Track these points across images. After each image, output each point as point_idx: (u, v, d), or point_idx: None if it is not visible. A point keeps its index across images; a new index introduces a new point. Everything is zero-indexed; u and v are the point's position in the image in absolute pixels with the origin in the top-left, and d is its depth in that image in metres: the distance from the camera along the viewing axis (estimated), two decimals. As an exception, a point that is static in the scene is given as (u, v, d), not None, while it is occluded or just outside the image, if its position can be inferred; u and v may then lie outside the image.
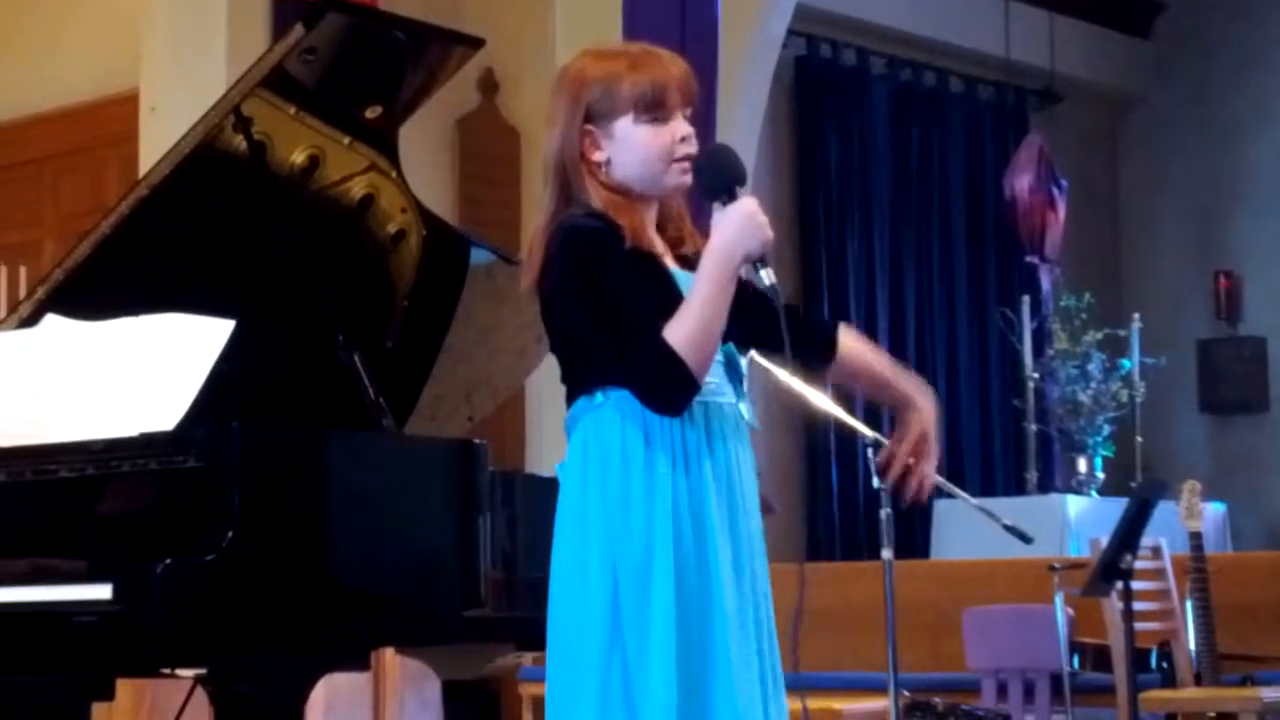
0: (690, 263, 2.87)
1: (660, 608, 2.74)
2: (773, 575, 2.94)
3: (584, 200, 2.86)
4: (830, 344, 3.06)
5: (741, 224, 2.79)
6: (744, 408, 2.92)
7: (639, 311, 2.77)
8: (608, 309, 2.78)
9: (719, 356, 2.86)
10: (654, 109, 2.87)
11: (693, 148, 2.89)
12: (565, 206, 2.88)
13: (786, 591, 3.07)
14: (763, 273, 2.81)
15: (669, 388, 2.76)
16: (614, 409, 2.81)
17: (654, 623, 2.74)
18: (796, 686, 3.10)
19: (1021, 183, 10.31)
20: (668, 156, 2.87)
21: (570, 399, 2.88)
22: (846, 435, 8.84)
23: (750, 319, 2.89)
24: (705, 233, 2.86)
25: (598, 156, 2.89)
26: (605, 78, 2.88)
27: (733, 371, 2.91)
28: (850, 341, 3.09)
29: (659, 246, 2.90)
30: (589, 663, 2.77)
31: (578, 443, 2.85)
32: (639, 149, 2.87)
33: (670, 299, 2.79)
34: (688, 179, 2.90)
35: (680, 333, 2.74)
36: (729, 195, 2.82)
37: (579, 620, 2.79)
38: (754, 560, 2.86)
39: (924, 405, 3.06)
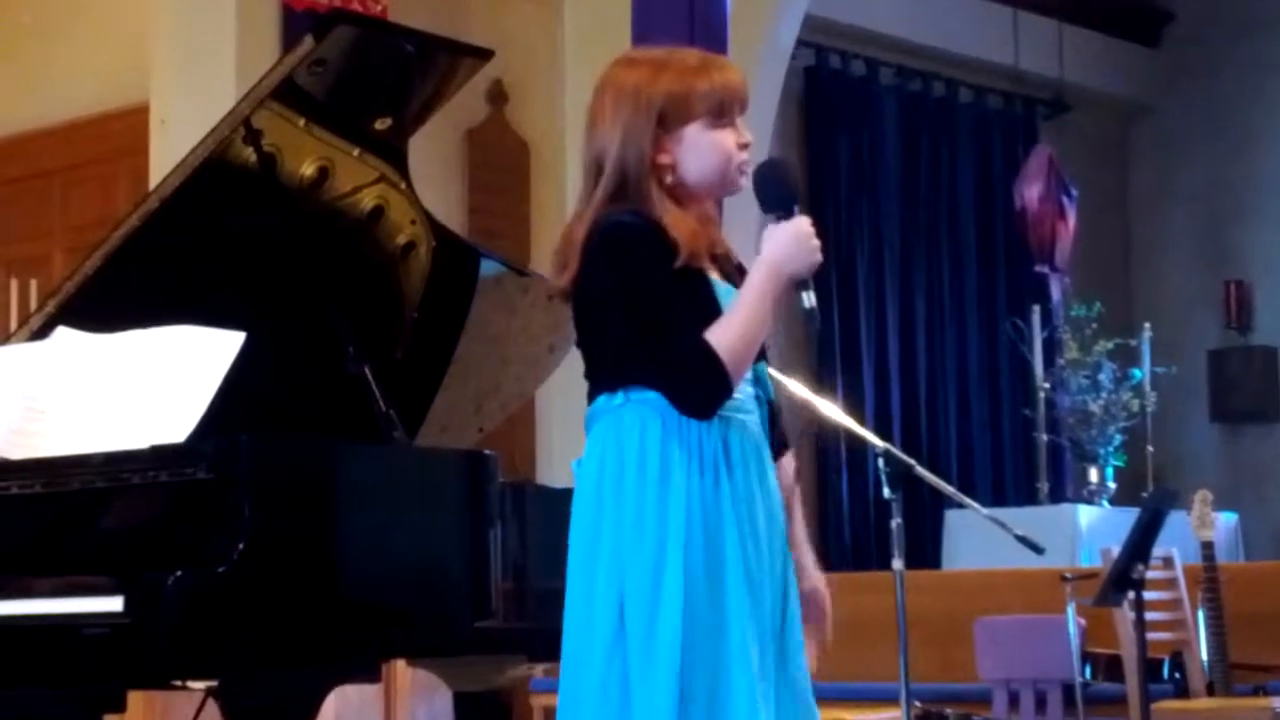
0: (719, 263, 2.89)
1: (668, 611, 2.72)
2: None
3: (643, 207, 2.85)
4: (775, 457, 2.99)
5: (795, 243, 2.82)
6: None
7: (680, 312, 2.78)
8: (649, 306, 2.78)
9: (749, 375, 2.86)
10: (724, 114, 2.91)
11: (751, 153, 2.94)
12: (609, 206, 2.87)
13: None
14: (805, 295, 2.83)
15: (703, 388, 2.77)
16: (634, 410, 2.80)
17: (660, 628, 2.72)
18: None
19: (1031, 192, 10.31)
20: (734, 160, 2.91)
21: (591, 396, 2.87)
22: (857, 445, 8.85)
23: None
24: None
25: (664, 160, 2.89)
26: (677, 83, 2.90)
27: (761, 390, 2.92)
28: (786, 473, 3.01)
29: (704, 259, 2.89)
30: (592, 666, 2.77)
31: (595, 441, 2.84)
32: (709, 154, 2.90)
33: (710, 308, 2.81)
34: (746, 181, 2.93)
35: (722, 337, 2.75)
36: (786, 212, 2.85)
37: (585, 622, 2.79)
38: (774, 569, 2.84)
39: (815, 578, 3.02)
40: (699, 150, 2.89)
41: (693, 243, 2.82)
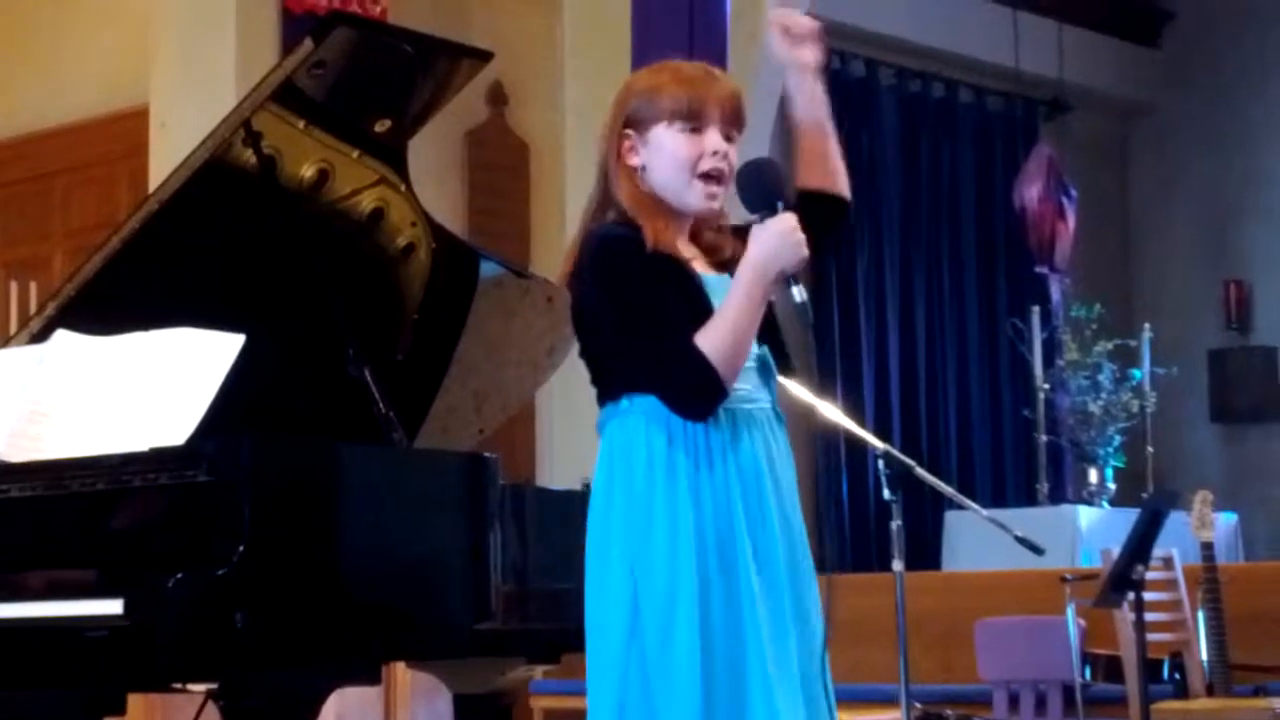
0: (727, 267, 2.92)
1: (685, 609, 2.76)
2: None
3: (617, 201, 2.92)
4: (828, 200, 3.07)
5: (779, 240, 2.84)
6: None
7: (670, 318, 2.82)
8: (638, 316, 2.83)
9: (751, 361, 2.90)
10: (689, 119, 2.92)
11: (722, 162, 2.93)
12: (603, 211, 2.95)
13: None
14: (794, 289, 2.87)
15: (698, 394, 2.82)
16: (639, 414, 2.85)
17: (678, 626, 2.76)
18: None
19: (1031, 193, 10.30)
20: (693, 166, 2.91)
21: (600, 403, 2.93)
22: (857, 447, 8.85)
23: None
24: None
25: (634, 161, 2.94)
26: (649, 87, 2.96)
27: (766, 374, 2.96)
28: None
29: (688, 252, 2.94)
30: (608, 665, 2.80)
31: (604, 448, 2.90)
32: (669, 155, 2.92)
33: (699, 306, 2.85)
34: (714, 203, 2.94)
35: (712, 340, 2.79)
36: (769, 210, 2.86)
37: (600, 623, 2.83)
38: (794, 556, 2.88)
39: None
40: (662, 152, 2.93)
41: (659, 227, 2.87)
